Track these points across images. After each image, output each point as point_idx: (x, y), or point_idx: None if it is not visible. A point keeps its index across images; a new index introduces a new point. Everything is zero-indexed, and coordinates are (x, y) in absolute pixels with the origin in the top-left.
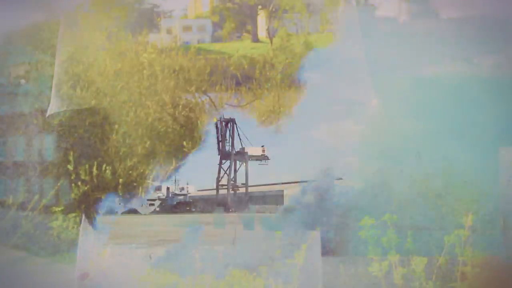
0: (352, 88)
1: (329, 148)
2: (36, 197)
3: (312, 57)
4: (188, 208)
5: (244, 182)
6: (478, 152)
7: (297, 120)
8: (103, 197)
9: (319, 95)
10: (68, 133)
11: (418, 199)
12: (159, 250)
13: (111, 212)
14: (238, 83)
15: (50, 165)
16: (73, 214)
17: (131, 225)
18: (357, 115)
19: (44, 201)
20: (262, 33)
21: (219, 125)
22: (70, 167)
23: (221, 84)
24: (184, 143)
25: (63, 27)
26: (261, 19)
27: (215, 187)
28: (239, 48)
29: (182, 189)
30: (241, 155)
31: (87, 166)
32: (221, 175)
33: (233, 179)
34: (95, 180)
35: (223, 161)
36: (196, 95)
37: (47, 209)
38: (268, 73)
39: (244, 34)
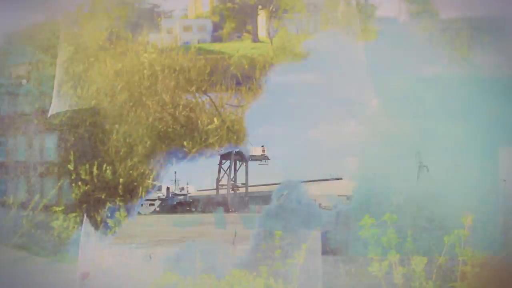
0: (352, 88)
1: (329, 148)
2: (37, 196)
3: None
4: (188, 208)
5: (244, 182)
6: (478, 152)
7: (297, 120)
8: (103, 197)
9: (319, 95)
10: (68, 133)
11: (418, 199)
12: (159, 250)
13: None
14: (238, 83)
15: (51, 164)
16: (74, 214)
17: (131, 225)
18: (357, 115)
19: (44, 201)
20: (262, 33)
21: None
22: (71, 167)
23: (221, 84)
24: (185, 143)
25: (64, 27)
26: (261, 19)
27: (215, 187)
28: (240, 48)
29: (182, 189)
30: (241, 155)
31: (87, 166)
32: (221, 175)
33: (233, 179)
34: (95, 180)
35: (223, 161)
36: (197, 95)
37: (47, 209)
38: (268, 73)
39: (245, 34)
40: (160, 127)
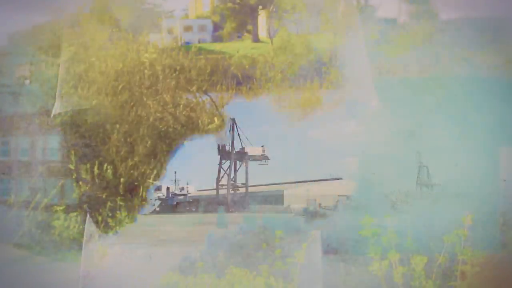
0: (352, 89)
1: (329, 148)
2: (38, 196)
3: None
4: (188, 208)
5: (244, 182)
6: (478, 152)
7: (297, 120)
8: (104, 196)
9: (319, 96)
10: (69, 132)
11: (417, 198)
12: (159, 250)
13: None
14: (238, 83)
15: (52, 164)
16: (75, 213)
17: (131, 225)
18: (357, 115)
19: (45, 200)
20: (262, 33)
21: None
22: (72, 166)
23: (221, 84)
24: (185, 142)
25: (65, 28)
26: (262, 19)
27: (215, 187)
28: (240, 48)
29: (182, 189)
30: (241, 155)
31: (88, 165)
32: (221, 175)
33: (233, 179)
34: (96, 179)
35: (223, 161)
36: (197, 94)
37: (48, 208)
38: (268, 73)
39: (245, 34)
40: (160, 126)
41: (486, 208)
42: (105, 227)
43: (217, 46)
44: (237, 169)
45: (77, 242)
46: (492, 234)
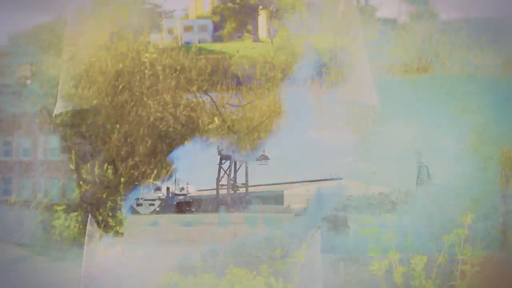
0: (352, 89)
1: (329, 148)
2: (39, 195)
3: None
4: (188, 208)
5: (244, 182)
6: (478, 152)
7: (297, 120)
8: (104, 196)
9: (318, 96)
10: (70, 132)
11: (417, 198)
12: (159, 250)
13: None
14: (239, 83)
15: (52, 164)
16: (75, 213)
17: (132, 225)
18: (357, 115)
19: (46, 200)
20: (262, 33)
21: None
22: (72, 166)
23: (222, 84)
24: (186, 142)
25: (66, 28)
26: (262, 19)
27: (215, 187)
28: (240, 48)
29: (182, 189)
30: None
31: (88, 165)
32: (221, 175)
33: (233, 179)
34: (96, 179)
35: (223, 161)
36: (197, 94)
37: (49, 208)
38: (269, 73)
39: (245, 34)
40: (161, 126)
41: (486, 208)
42: (105, 227)
43: (218, 46)
44: (237, 169)
45: (77, 242)
46: (491, 234)
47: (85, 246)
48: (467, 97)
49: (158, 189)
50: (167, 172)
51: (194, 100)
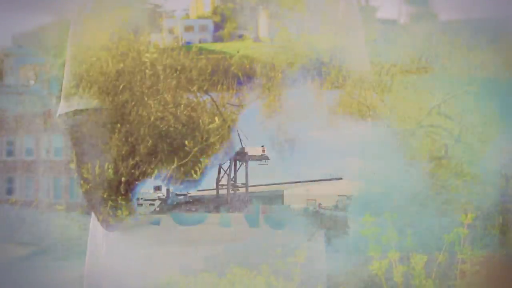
0: (352, 89)
1: (329, 148)
2: (40, 195)
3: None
4: (188, 208)
5: (244, 182)
6: (478, 151)
7: (297, 120)
8: (105, 196)
9: (319, 96)
10: (71, 132)
11: (418, 198)
12: (160, 250)
13: None
14: (239, 83)
15: (53, 163)
16: (76, 213)
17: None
18: (357, 115)
19: (47, 200)
20: (263, 33)
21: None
22: (73, 165)
23: (222, 84)
24: (186, 142)
25: (67, 28)
26: (262, 19)
27: (215, 187)
28: (240, 48)
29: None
30: (241, 155)
31: (89, 165)
32: (221, 175)
33: (233, 179)
34: (97, 178)
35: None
36: (198, 94)
37: (50, 207)
38: (269, 73)
39: (246, 34)
40: (161, 126)
41: (486, 207)
42: (106, 226)
43: (218, 46)
44: (237, 169)
45: (78, 241)
46: (491, 234)
47: (85, 245)
48: (466, 97)
49: (158, 189)
50: (167, 172)
51: (195, 100)
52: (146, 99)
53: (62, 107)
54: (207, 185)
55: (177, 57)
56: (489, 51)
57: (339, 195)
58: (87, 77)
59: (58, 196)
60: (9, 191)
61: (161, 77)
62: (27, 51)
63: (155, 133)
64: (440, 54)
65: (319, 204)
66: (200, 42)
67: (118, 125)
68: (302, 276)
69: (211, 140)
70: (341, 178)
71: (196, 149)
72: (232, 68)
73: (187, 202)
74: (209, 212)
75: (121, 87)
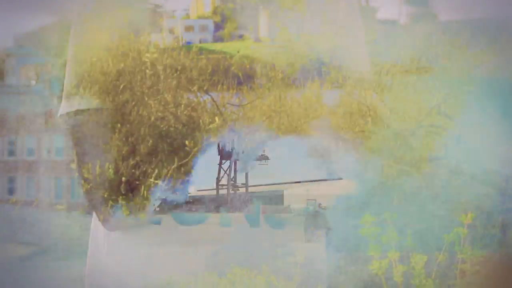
0: (352, 89)
1: (329, 148)
2: (41, 195)
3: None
4: (188, 208)
5: (244, 182)
6: (478, 151)
7: (297, 120)
8: (105, 196)
9: (318, 96)
10: (71, 132)
11: (418, 198)
12: (160, 249)
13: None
14: (239, 83)
15: (54, 163)
16: (76, 213)
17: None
18: (357, 115)
19: (48, 199)
20: (263, 33)
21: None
22: (73, 165)
23: (222, 84)
24: (186, 142)
25: (68, 28)
26: (263, 19)
27: (215, 187)
28: (241, 48)
29: None
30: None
31: (90, 164)
32: (221, 175)
33: (233, 179)
34: (98, 178)
35: (223, 161)
36: (198, 94)
37: (51, 207)
38: (269, 73)
39: (246, 34)
40: (162, 126)
41: (486, 207)
42: (106, 226)
43: (218, 46)
44: (237, 169)
45: (79, 241)
46: (491, 233)
47: (86, 245)
48: (466, 97)
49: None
50: (167, 172)
51: (195, 99)
52: (146, 99)
53: (63, 107)
54: (207, 185)
55: (178, 57)
56: (489, 51)
57: (339, 195)
58: (88, 77)
59: (59, 196)
60: (10, 191)
61: (162, 77)
62: (28, 51)
63: (155, 133)
64: (440, 54)
65: (319, 204)
66: (200, 42)
67: (119, 125)
68: (302, 276)
69: (211, 140)
70: (341, 178)
71: (196, 149)
72: (232, 68)
73: (187, 202)
74: (209, 212)
75: (121, 87)
